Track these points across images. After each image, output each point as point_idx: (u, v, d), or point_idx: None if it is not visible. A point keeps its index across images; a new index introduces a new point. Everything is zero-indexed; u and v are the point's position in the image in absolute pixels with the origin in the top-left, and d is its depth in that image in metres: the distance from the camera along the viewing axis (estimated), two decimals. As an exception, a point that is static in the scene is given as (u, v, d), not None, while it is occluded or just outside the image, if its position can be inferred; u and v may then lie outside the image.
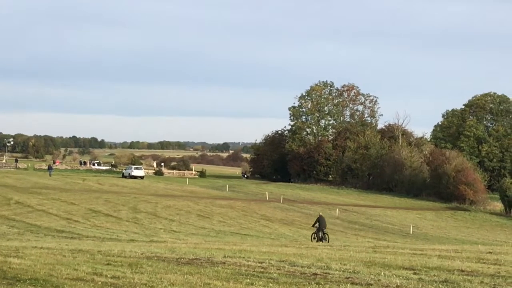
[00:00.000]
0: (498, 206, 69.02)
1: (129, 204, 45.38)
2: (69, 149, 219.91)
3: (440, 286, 8.62)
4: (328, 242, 28.13)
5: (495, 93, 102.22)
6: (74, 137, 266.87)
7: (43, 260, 11.57)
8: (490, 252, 16.55)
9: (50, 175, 70.36)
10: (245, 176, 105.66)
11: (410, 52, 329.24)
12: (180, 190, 62.66)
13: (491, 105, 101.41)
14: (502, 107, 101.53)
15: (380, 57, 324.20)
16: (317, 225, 29.57)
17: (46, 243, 19.09)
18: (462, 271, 10.54)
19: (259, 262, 11.40)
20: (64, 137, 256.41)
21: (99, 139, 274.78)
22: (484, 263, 12.89)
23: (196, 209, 44.86)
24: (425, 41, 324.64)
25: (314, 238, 29.49)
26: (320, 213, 32.03)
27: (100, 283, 8.52)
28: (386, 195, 75.05)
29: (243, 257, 12.44)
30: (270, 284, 8.48)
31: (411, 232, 42.46)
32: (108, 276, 9.25)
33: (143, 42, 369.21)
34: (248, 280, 8.92)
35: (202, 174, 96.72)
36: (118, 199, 47.94)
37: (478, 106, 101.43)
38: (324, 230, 29.44)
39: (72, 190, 53.80)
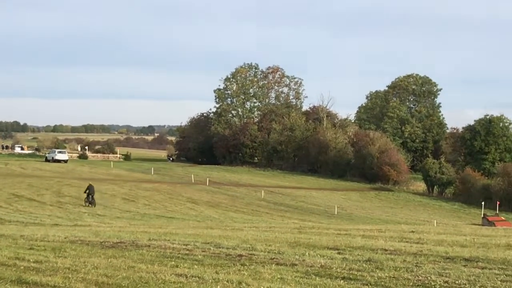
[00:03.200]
0: (421, 186, 71.90)
1: (52, 188, 44.17)
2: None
3: (364, 265, 8.66)
4: (95, 206, 34.90)
5: (417, 75, 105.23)
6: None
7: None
8: (412, 231, 16.97)
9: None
10: (171, 159, 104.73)
11: (334, 33, 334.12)
12: (105, 174, 61.40)
13: (413, 87, 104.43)
14: (424, 88, 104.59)
15: (305, 38, 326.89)
16: (87, 191, 35.74)
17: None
18: (385, 250, 10.68)
19: (184, 245, 11.30)
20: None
21: (21, 123, 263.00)
22: (407, 242, 13.15)
23: (121, 193, 44.24)
24: (348, 22, 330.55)
25: (86, 202, 35.76)
26: (90, 183, 37.77)
27: (22, 267, 8.35)
28: (311, 176, 76.54)
29: (168, 240, 12.38)
30: (195, 266, 8.44)
31: (336, 213, 43.37)
32: (31, 260, 9.09)
33: (63, 25, 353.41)
34: (173, 262, 8.87)
35: (127, 157, 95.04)
36: (41, 183, 46.55)
37: (401, 87, 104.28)
38: (93, 196, 35.70)
39: (-6, 175, 51.68)
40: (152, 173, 64.66)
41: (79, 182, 48.09)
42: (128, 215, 32.17)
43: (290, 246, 11.60)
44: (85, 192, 36.39)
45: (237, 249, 10.78)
